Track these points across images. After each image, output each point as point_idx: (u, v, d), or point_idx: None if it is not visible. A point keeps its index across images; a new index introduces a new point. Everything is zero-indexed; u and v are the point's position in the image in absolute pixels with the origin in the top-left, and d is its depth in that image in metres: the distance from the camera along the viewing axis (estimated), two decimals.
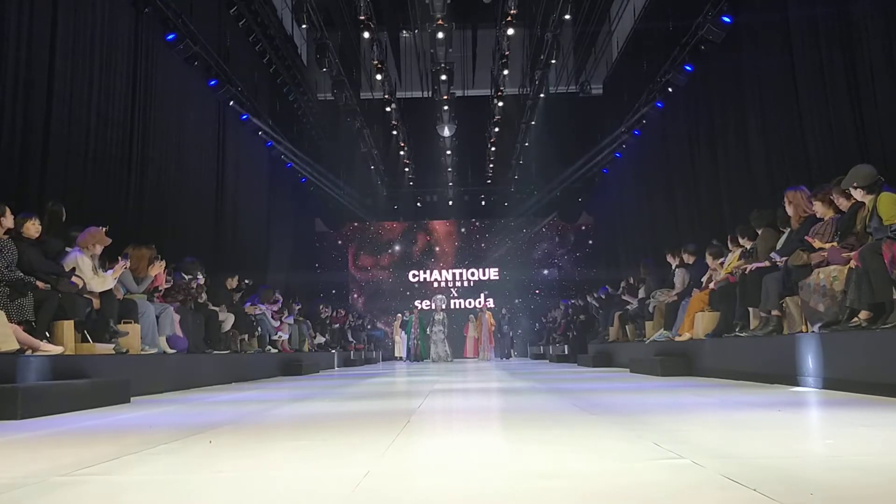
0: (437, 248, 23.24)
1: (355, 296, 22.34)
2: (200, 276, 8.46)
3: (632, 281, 11.06)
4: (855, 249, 4.53)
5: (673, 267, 8.92)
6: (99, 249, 6.24)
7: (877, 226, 4.46)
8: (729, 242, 7.44)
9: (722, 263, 7.42)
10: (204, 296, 8.33)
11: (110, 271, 6.22)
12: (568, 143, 19.00)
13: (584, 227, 22.32)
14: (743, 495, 1.61)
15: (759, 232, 6.65)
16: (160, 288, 7.47)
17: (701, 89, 11.70)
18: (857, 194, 4.74)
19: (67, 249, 6.09)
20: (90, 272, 6.00)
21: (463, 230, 23.15)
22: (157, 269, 7.12)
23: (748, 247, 6.84)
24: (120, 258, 6.51)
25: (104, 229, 6.34)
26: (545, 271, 22.72)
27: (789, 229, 6.03)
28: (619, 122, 15.76)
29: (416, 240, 23.23)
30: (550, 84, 16.37)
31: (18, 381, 4.37)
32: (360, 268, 22.93)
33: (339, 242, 22.81)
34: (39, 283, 5.32)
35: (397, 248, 23.10)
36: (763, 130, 9.45)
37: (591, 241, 22.12)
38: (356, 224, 22.73)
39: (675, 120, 13.02)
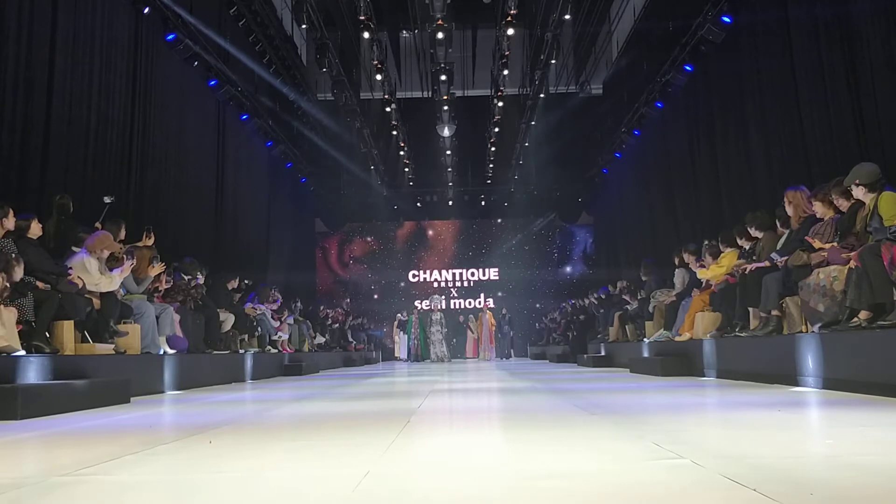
0: (437, 248, 23.20)
1: (350, 296, 22.28)
2: (200, 276, 8.45)
3: (629, 285, 11.05)
4: (855, 249, 4.53)
5: (677, 265, 8.87)
6: (106, 254, 6.24)
7: (877, 225, 4.45)
8: (733, 241, 7.44)
9: (701, 263, 7.50)
10: (201, 300, 8.30)
11: (117, 271, 6.22)
12: (568, 142, 18.99)
13: (583, 227, 22.31)
14: (743, 495, 1.61)
15: (751, 231, 6.66)
16: (160, 288, 7.47)
17: (701, 89, 11.69)
18: (859, 192, 4.72)
19: (74, 249, 6.10)
20: (97, 273, 6.00)
21: (465, 228, 23.11)
22: (158, 269, 7.12)
23: (747, 247, 6.85)
24: (125, 257, 6.51)
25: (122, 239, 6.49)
26: (545, 271, 22.68)
27: (789, 229, 6.03)
28: (619, 122, 15.75)
29: (415, 240, 23.19)
30: (550, 84, 16.34)
31: (18, 381, 4.38)
32: (358, 267, 22.89)
33: (337, 242, 22.78)
34: (39, 283, 5.32)
35: (396, 247, 23.07)
36: (763, 130, 9.44)
37: (590, 241, 22.10)
38: (355, 224, 22.69)
39: (675, 120, 13.01)
